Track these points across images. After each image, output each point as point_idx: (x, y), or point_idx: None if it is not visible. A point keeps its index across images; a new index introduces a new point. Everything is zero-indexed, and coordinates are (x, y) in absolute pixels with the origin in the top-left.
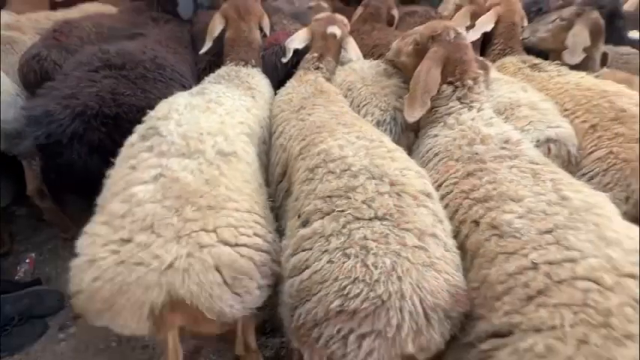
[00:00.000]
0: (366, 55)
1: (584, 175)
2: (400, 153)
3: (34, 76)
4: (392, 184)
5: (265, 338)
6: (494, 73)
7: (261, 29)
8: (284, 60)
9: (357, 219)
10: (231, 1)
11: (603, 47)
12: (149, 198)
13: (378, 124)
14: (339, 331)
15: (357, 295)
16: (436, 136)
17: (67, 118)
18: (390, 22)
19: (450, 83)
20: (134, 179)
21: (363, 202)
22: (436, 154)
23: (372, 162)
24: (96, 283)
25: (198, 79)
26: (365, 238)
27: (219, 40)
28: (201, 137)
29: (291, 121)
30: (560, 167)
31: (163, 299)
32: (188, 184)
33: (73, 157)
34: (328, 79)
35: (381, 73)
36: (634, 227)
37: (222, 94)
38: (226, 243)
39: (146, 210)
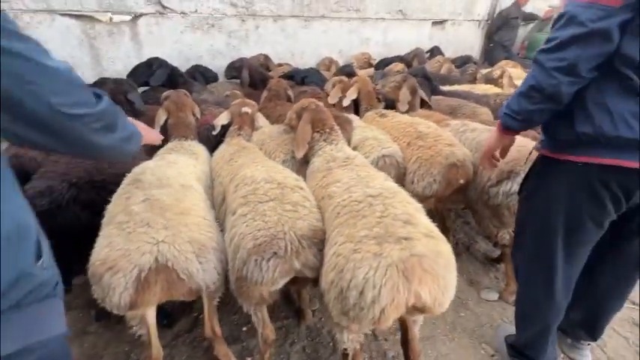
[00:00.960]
0: (273, 122)
1: (409, 172)
2: (287, 172)
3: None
4: (278, 183)
5: (228, 346)
6: (357, 122)
7: (193, 114)
8: (214, 133)
9: (259, 202)
10: (170, 99)
11: (421, 96)
12: (142, 210)
13: (283, 162)
14: (255, 261)
15: (261, 237)
16: (313, 162)
17: (64, 188)
18: (288, 99)
19: (317, 131)
20: (130, 203)
21: (262, 194)
22: (313, 171)
23: (268, 174)
24: (107, 250)
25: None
26: (264, 210)
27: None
28: (168, 179)
29: (224, 167)
30: (394, 172)
31: (152, 264)
32: (164, 201)
33: (69, 216)
34: (248, 141)
35: (282, 132)
36: (413, 202)
37: (176, 158)
38: (194, 230)
39: (141, 216)
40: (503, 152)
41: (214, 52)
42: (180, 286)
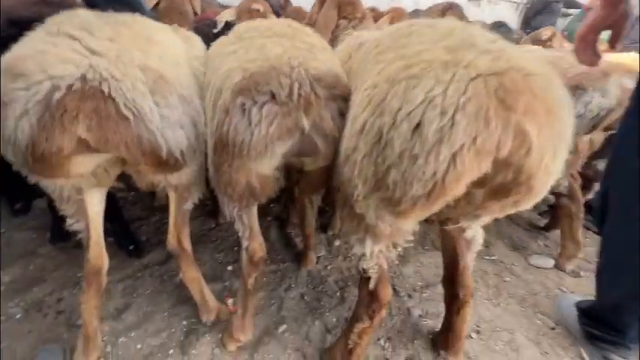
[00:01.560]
0: None
1: None
2: None
3: None
4: (289, 25)
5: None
6: None
7: (192, 5)
8: (215, 30)
9: (260, 37)
10: None
11: None
12: (92, 19)
13: None
14: (242, 107)
15: (255, 68)
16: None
17: None
18: None
19: (345, 17)
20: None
21: (265, 29)
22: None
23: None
24: (20, 50)
25: None
26: (264, 43)
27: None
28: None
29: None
30: None
31: (75, 81)
32: (128, 22)
33: None
34: None
35: None
36: None
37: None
38: (153, 59)
39: (85, 21)
40: (615, 37)
41: None
42: (121, 129)
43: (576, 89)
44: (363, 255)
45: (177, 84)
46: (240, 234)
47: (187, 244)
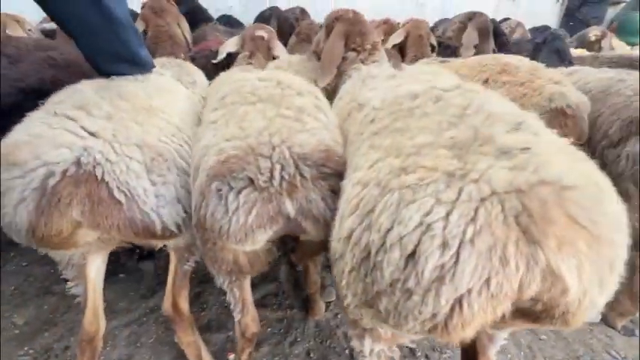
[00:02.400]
0: None
1: None
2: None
3: None
4: (278, 82)
5: (210, 334)
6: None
7: (180, 29)
8: (215, 61)
9: (241, 104)
10: (146, 6)
11: (492, 45)
12: (90, 91)
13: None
14: (218, 192)
15: (230, 149)
16: (342, 88)
17: None
18: None
19: (354, 50)
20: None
21: (249, 92)
22: (340, 97)
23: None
24: (19, 134)
25: None
26: (245, 112)
27: None
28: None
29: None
30: None
31: (69, 165)
32: (128, 89)
33: None
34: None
35: (305, 59)
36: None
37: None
38: (151, 133)
39: (83, 98)
40: None
41: (247, 2)
42: (114, 213)
43: None
44: (361, 353)
45: (176, 157)
46: (231, 307)
47: (185, 308)
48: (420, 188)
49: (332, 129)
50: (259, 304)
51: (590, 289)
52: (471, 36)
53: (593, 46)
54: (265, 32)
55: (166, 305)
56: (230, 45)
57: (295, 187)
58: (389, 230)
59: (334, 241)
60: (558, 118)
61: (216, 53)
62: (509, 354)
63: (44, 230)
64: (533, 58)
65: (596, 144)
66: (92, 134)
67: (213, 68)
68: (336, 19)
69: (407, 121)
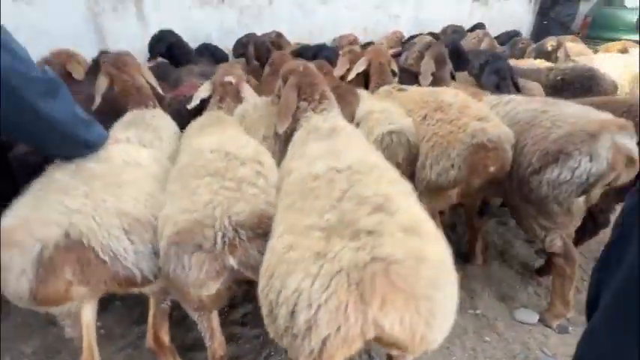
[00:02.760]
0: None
1: (422, 153)
2: (252, 144)
3: None
4: (226, 154)
5: (195, 352)
6: (366, 95)
7: (145, 79)
8: (189, 106)
9: (194, 177)
10: (108, 62)
11: (450, 68)
12: (65, 176)
13: (264, 138)
14: (176, 255)
15: (183, 222)
16: (295, 135)
17: None
18: None
19: (305, 99)
20: (56, 170)
21: (201, 165)
22: (290, 146)
23: (219, 144)
24: (9, 219)
25: None
26: (197, 186)
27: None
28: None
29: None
30: (403, 152)
31: (59, 239)
32: (97, 169)
33: None
34: (230, 114)
35: (269, 103)
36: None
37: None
38: (126, 202)
39: (61, 183)
40: None
41: (225, 30)
42: (101, 271)
43: (560, 153)
44: None
45: (150, 219)
46: (202, 334)
47: (165, 340)
48: (298, 263)
49: (269, 191)
50: (239, 322)
51: (416, 331)
52: (428, 65)
53: (550, 55)
54: (234, 77)
55: (149, 340)
56: (202, 91)
57: (235, 247)
58: (280, 292)
59: (259, 291)
60: (481, 151)
61: (190, 98)
62: (454, 356)
63: (43, 294)
64: (478, 77)
65: (523, 171)
66: (75, 211)
67: (188, 113)
68: (289, 72)
69: (305, 203)
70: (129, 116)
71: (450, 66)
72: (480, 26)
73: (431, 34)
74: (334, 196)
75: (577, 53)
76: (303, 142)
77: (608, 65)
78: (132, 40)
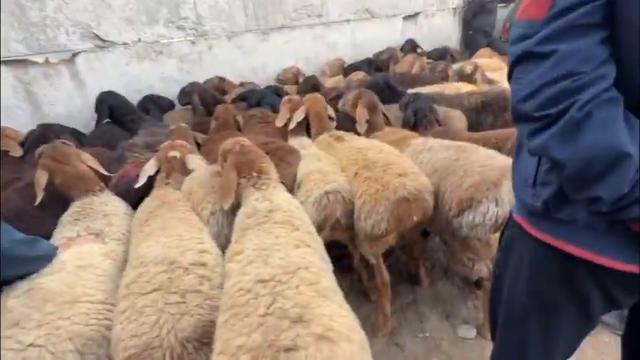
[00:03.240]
0: (215, 161)
1: (356, 209)
2: (194, 242)
3: None
4: (170, 263)
5: None
6: (307, 149)
7: (86, 164)
8: (136, 186)
9: (141, 294)
10: (44, 154)
11: (382, 110)
12: (17, 305)
13: (212, 214)
14: None
15: (132, 347)
16: (238, 214)
17: None
18: (238, 127)
19: (244, 177)
20: (9, 296)
21: (146, 281)
22: (235, 227)
23: (163, 251)
24: None
25: None
26: (143, 306)
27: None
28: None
29: (137, 234)
30: (342, 209)
31: None
32: (50, 289)
33: None
34: (178, 189)
35: (214, 175)
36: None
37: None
38: (79, 322)
39: (13, 314)
40: None
41: (166, 79)
42: None
43: (472, 201)
44: None
45: (104, 332)
46: None
47: None
48: None
49: (213, 294)
50: None
51: None
52: (362, 114)
53: (470, 78)
54: (178, 151)
55: None
56: (149, 169)
57: (183, 357)
58: None
59: None
60: (404, 204)
61: (137, 178)
62: None
63: None
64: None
65: (446, 213)
66: (29, 345)
67: (135, 193)
68: (227, 152)
69: (236, 320)
70: (75, 207)
71: (381, 109)
72: (410, 42)
73: (367, 60)
74: (260, 312)
75: (495, 69)
76: (243, 230)
77: None
78: (68, 103)
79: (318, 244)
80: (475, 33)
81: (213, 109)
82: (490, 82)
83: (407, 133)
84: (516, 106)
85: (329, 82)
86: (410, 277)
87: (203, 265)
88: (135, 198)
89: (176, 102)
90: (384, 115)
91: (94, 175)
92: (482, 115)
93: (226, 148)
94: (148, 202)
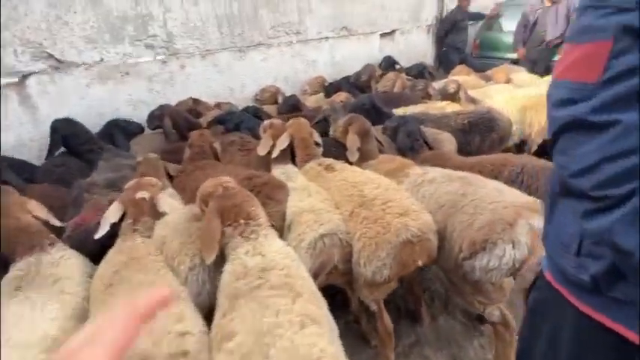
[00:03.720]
0: (191, 198)
1: (355, 252)
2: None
3: None
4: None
5: None
6: (295, 182)
7: (31, 214)
8: (97, 236)
9: None
10: None
11: (376, 137)
12: None
13: (190, 270)
14: None
15: None
16: (224, 271)
17: None
18: (215, 155)
19: (230, 225)
20: None
21: None
22: (220, 288)
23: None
24: None
25: None
26: None
27: None
28: None
29: (97, 299)
30: (339, 253)
31: None
32: None
33: None
34: (148, 237)
35: (191, 218)
36: None
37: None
38: None
39: None
40: None
41: (134, 101)
42: None
43: (486, 242)
44: None
45: None
46: None
47: None
48: None
49: None
50: None
51: None
52: (353, 141)
53: (453, 97)
54: (147, 191)
55: None
56: (112, 215)
57: None
58: None
59: None
60: (407, 247)
61: (97, 226)
62: None
63: None
64: (393, 138)
65: (456, 256)
66: None
67: (93, 244)
68: (208, 195)
69: None
70: (17, 269)
71: (374, 134)
72: (387, 59)
73: (346, 79)
74: None
75: (473, 86)
76: (232, 297)
77: (500, 100)
78: (19, 130)
79: (321, 306)
80: (448, 49)
81: (187, 133)
82: (473, 100)
83: (402, 161)
84: (568, 180)
85: (310, 101)
86: (409, 312)
87: (184, 354)
88: (96, 250)
89: (145, 126)
90: (378, 140)
91: (43, 227)
92: (469, 136)
93: (207, 191)
94: (111, 257)
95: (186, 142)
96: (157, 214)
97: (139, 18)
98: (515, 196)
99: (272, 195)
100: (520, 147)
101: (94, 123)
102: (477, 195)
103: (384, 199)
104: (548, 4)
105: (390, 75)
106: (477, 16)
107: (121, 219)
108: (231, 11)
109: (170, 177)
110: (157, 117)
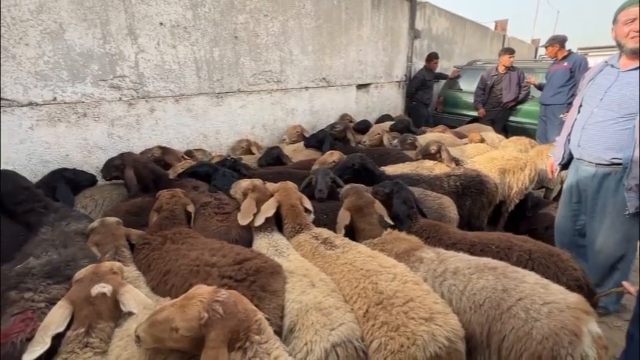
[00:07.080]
0: (159, 284)
1: None
2: None
3: None
4: None
5: None
6: (290, 262)
7: None
8: (29, 359)
9: None
10: None
11: (378, 213)
12: None
13: None
14: None
15: None
16: None
17: None
18: (188, 219)
19: (240, 348)
20: None
21: None
22: None
23: None
24: None
25: None
26: None
27: None
28: None
29: None
30: None
31: None
32: None
33: None
34: (104, 351)
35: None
36: None
37: None
38: None
39: None
40: None
41: (90, 147)
42: None
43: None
44: None
45: None
46: None
47: None
48: None
49: None
50: None
51: None
52: (343, 216)
53: (435, 157)
54: (106, 283)
55: None
56: (54, 323)
57: None
58: None
59: None
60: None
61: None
62: None
63: None
64: (387, 204)
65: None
66: None
67: None
68: (206, 325)
69: None
70: None
71: (376, 210)
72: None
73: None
74: None
75: (450, 144)
76: None
77: (481, 161)
78: None
79: None
80: (418, 104)
81: (152, 185)
82: (455, 160)
83: (410, 241)
84: None
85: (287, 150)
86: None
87: None
88: None
89: (100, 177)
90: (381, 217)
91: None
92: (461, 199)
93: (202, 316)
94: None
95: (150, 195)
96: (118, 316)
97: (106, 57)
98: (561, 292)
99: (267, 286)
100: (499, 207)
101: (36, 172)
102: (521, 292)
103: (404, 298)
104: (502, 71)
105: (376, 129)
106: (441, 76)
107: (68, 326)
108: (212, 57)
109: (131, 246)
110: (115, 167)
